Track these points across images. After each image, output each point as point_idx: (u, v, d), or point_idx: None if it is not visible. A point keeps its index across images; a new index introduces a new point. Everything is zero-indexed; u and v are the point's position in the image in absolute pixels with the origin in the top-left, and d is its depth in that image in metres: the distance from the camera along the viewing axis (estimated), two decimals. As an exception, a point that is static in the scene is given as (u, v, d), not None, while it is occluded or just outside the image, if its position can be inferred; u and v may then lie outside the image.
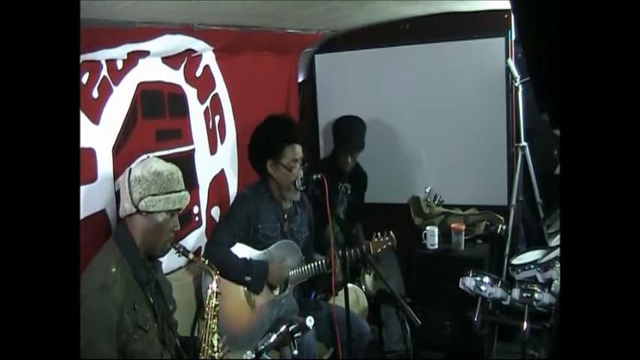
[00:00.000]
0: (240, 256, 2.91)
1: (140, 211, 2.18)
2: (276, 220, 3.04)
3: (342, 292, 2.71)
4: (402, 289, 3.88)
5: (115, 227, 2.52)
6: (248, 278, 2.87)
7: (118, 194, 2.60)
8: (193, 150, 3.21)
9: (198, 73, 3.25)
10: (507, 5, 3.19)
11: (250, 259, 2.91)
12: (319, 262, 3.01)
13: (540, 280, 2.94)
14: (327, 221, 3.46)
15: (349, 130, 3.86)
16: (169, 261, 2.75)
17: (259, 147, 3.05)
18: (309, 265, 3.02)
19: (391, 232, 3.14)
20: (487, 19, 3.74)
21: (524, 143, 3.68)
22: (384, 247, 3.11)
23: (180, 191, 2.24)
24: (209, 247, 2.96)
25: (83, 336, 1.84)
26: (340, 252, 2.81)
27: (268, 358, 2.36)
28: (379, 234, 3.14)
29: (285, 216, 3.08)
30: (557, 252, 2.96)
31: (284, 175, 2.96)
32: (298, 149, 2.98)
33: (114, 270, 2.08)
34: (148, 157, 2.73)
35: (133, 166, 2.37)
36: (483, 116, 3.89)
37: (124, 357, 2.05)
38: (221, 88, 3.44)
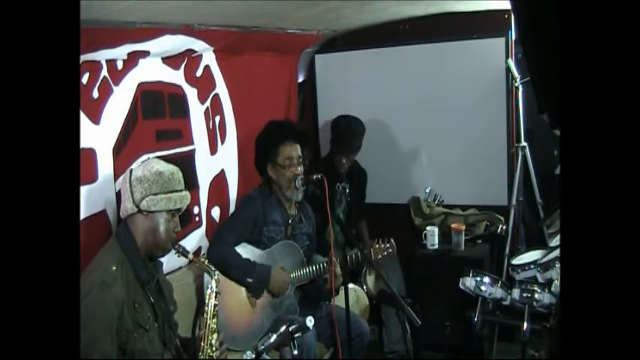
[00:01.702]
0: (242, 254, 2.92)
1: (141, 211, 2.19)
2: (282, 224, 3.06)
3: (342, 292, 2.72)
4: (402, 289, 3.88)
5: (116, 227, 2.52)
6: (250, 280, 2.87)
7: (118, 195, 2.60)
8: (193, 150, 3.21)
9: (199, 73, 3.25)
10: (507, 5, 3.19)
11: (254, 262, 2.91)
12: (320, 265, 3.02)
13: (540, 280, 2.94)
14: (327, 222, 3.49)
15: (346, 132, 3.82)
16: (169, 261, 2.75)
17: (259, 152, 3.10)
18: (310, 267, 3.02)
19: (392, 240, 3.15)
20: (487, 19, 3.74)
21: (524, 143, 3.68)
22: (385, 253, 3.14)
23: (181, 191, 2.26)
24: (214, 244, 2.96)
25: (84, 333, 1.86)
26: (341, 253, 2.82)
27: (268, 358, 2.35)
28: (380, 240, 3.16)
29: (290, 221, 3.10)
30: (557, 252, 2.96)
31: (281, 175, 2.99)
32: (293, 148, 3.00)
33: (114, 268, 2.09)
34: (149, 157, 2.73)
35: (134, 166, 2.38)
36: (483, 116, 3.89)
37: (124, 355, 2.06)
38: (221, 89, 3.44)
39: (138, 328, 2.09)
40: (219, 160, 3.45)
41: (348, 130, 3.82)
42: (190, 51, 3.03)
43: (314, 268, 3.02)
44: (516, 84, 3.62)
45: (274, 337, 2.26)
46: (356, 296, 3.38)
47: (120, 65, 2.68)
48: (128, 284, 2.11)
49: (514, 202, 3.72)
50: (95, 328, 1.96)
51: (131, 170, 2.26)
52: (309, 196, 3.08)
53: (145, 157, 2.78)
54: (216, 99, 3.41)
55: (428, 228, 3.81)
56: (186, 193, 2.29)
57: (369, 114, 4.19)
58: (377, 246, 3.15)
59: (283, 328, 2.28)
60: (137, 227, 2.22)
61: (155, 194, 2.18)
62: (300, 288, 3.11)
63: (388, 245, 3.15)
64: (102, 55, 2.52)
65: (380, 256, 3.14)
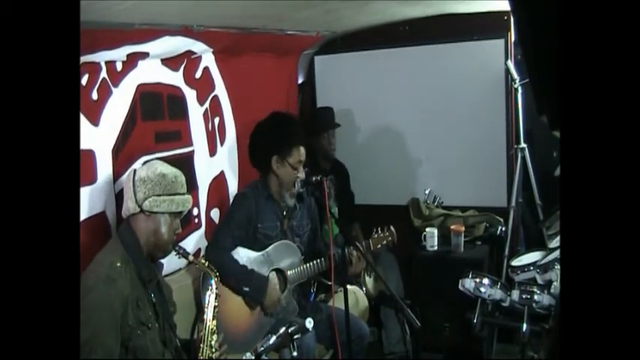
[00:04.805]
0: (239, 258, 2.91)
1: (143, 211, 2.21)
2: (276, 219, 3.03)
3: (341, 294, 2.71)
4: (401, 290, 3.88)
5: (118, 227, 2.52)
6: (246, 289, 2.86)
7: (117, 196, 2.60)
8: (193, 152, 3.21)
9: (198, 74, 3.25)
10: (507, 6, 3.19)
11: (252, 270, 2.89)
12: (318, 261, 3.01)
13: (540, 281, 2.94)
14: (326, 222, 3.49)
15: (320, 111, 4.06)
16: (169, 263, 2.74)
17: (265, 142, 3.01)
18: (307, 265, 3.02)
19: (391, 227, 3.12)
20: (487, 20, 3.75)
21: (523, 145, 3.68)
22: (384, 242, 3.11)
23: (183, 194, 2.28)
24: (210, 251, 2.93)
25: (88, 327, 1.89)
26: (340, 251, 2.81)
27: (267, 359, 2.36)
28: (379, 229, 3.13)
29: (284, 213, 3.07)
30: (556, 253, 2.97)
31: (288, 174, 2.95)
32: (304, 151, 2.98)
33: (119, 265, 2.12)
34: (155, 158, 2.72)
35: (137, 167, 2.38)
36: (483, 118, 3.89)
37: (126, 352, 2.07)
38: (220, 90, 3.44)
39: (140, 326, 2.11)
40: (218, 162, 3.45)
41: (319, 110, 4.11)
42: (190, 52, 3.03)
43: (311, 265, 3.01)
44: (516, 85, 3.62)
45: (274, 338, 2.26)
46: (355, 298, 3.37)
47: (119, 67, 2.68)
48: (131, 282, 2.13)
49: (513, 203, 3.73)
50: (99, 322, 1.98)
51: (135, 170, 2.28)
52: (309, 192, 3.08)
53: (144, 158, 2.77)
54: (216, 100, 3.41)
55: (427, 229, 3.81)
56: (189, 197, 2.31)
57: (369, 115, 4.20)
58: (376, 235, 3.12)
59: (283, 330, 2.29)
60: (139, 227, 2.24)
61: (158, 195, 2.20)
62: (299, 288, 3.11)
63: (387, 233, 3.11)
64: (101, 57, 2.51)
65: (379, 245, 3.11)
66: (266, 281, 2.90)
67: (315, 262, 3.01)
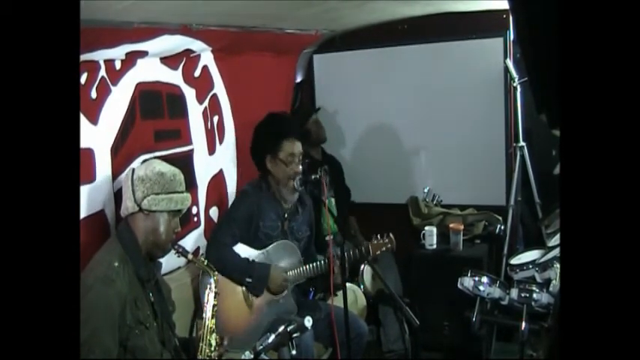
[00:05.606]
0: (240, 255, 2.91)
1: (142, 210, 2.21)
2: (277, 219, 3.04)
3: (340, 292, 2.71)
4: (400, 289, 3.88)
5: (116, 227, 2.52)
6: (249, 280, 2.87)
7: (116, 195, 2.60)
8: (192, 150, 3.21)
9: (197, 73, 3.25)
10: (506, 5, 3.19)
11: (253, 261, 2.91)
12: (318, 263, 3.01)
13: (539, 280, 2.95)
14: (325, 221, 3.49)
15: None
16: (168, 261, 2.74)
17: (259, 143, 3.06)
18: (307, 266, 3.02)
19: (391, 235, 3.14)
20: (485, 19, 3.75)
21: (522, 143, 3.68)
22: (384, 248, 3.12)
23: (182, 192, 2.28)
24: (211, 247, 2.95)
25: (86, 327, 1.88)
26: (339, 251, 2.81)
27: (266, 358, 2.36)
28: (379, 235, 3.14)
29: (286, 215, 3.08)
30: (555, 252, 2.97)
31: (281, 171, 2.97)
32: (296, 145, 2.99)
33: (116, 264, 2.12)
34: (153, 157, 2.73)
35: (136, 166, 2.38)
36: (482, 116, 3.89)
37: (125, 352, 2.07)
38: (220, 89, 3.44)
39: (139, 325, 2.11)
40: (217, 160, 3.45)
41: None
42: (189, 51, 3.03)
43: (311, 266, 3.01)
44: (515, 84, 3.62)
45: (273, 337, 2.26)
46: (354, 296, 3.38)
47: (118, 65, 2.68)
48: (129, 281, 2.13)
49: (512, 202, 3.73)
50: (98, 322, 1.98)
51: (133, 170, 2.28)
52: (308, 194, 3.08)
53: (143, 157, 2.78)
54: (215, 99, 3.41)
55: (426, 228, 3.81)
56: (187, 195, 2.31)
57: (368, 114, 4.20)
58: (375, 241, 3.13)
59: (282, 329, 2.29)
60: (138, 226, 2.23)
61: (157, 194, 2.21)
62: (298, 288, 3.11)
63: (387, 240, 3.12)
64: (100, 55, 2.51)
65: (379, 252, 3.12)
66: (268, 268, 2.91)
67: (315, 263, 3.01)
